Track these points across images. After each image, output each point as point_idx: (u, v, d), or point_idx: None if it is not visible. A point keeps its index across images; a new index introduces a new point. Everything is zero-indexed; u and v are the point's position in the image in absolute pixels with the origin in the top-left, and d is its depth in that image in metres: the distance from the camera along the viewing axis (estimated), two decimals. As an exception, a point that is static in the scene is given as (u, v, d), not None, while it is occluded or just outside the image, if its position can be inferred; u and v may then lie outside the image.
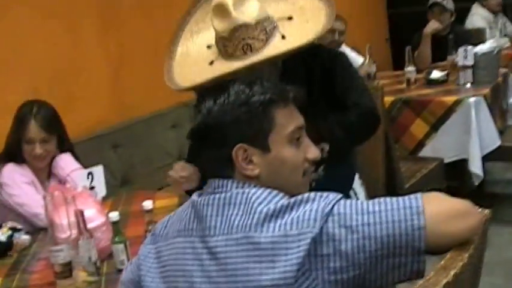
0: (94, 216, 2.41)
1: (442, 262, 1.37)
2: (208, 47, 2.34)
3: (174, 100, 4.45)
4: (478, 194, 4.53)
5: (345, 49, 5.05)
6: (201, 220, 1.51)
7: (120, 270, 2.27)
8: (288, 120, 1.57)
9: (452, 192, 4.23)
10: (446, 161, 4.27)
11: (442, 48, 5.04)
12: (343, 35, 5.05)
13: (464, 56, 4.50)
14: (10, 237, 2.69)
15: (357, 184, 2.75)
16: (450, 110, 4.25)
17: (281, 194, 1.48)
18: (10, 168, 2.93)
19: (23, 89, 3.62)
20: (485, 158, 4.26)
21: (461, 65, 4.53)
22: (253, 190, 1.48)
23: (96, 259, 2.25)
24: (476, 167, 4.17)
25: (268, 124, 1.54)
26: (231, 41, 2.22)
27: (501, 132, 4.45)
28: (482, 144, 4.19)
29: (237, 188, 1.52)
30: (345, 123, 2.46)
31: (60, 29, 3.92)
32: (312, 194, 1.45)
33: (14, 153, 2.94)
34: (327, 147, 2.41)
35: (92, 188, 2.76)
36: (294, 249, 1.37)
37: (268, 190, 1.48)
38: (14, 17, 3.70)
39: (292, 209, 1.42)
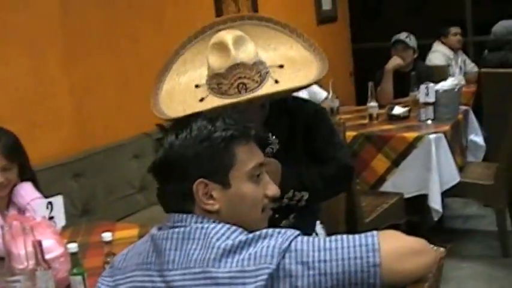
0: (52, 247, 2.38)
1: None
2: (197, 86, 2.35)
3: (136, 130, 4.45)
4: (438, 229, 4.61)
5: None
6: (160, 254, 1.52)
7: (77, 302, 2.25)
8: (249, 156, 1.59)
9: (412, 227, 4.29)
10: (407, 196, 4.30)
11: (404, 85, 5.10)
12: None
13: (426, 92, 4.57)
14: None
15: (319, 227, 2.79)
16: (411, 145, 4.30)
17: (240, 230, 1.49)
18: (-32, 197, 2.89)
19: (-16, 116, 3.59)
20: (445, 194, 4.31)
21: (423, 101, 4.61)
22: (212, 225, 1.50)
23: (53, 291, 2.23)
24: (435, 202, 4.21)
25: (229, 160, 1.55)
26: (227, 79, 2.23)
27: (461, 169, 4.52)
28: (442, 180, 4.24)
29: (196, 222, 1.53)
30: (325, 175, 2.52)
31: (23, 55, 3.90)
32: (270, 230, 1.47)
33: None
34: (306, 195, 2.49)
35: (51, 218, 2.72)
36: (251, 284, 1.38)
37: (227, 226, 1.50)
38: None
39: (250, 244, 1.44)
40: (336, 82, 5.14)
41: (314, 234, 2.72)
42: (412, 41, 5.50)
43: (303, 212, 2.57)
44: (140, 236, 2.83)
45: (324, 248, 1.42)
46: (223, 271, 1.41)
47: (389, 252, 1.41)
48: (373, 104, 4.79)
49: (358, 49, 7.86)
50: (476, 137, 5.00)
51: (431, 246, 1.52)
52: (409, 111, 4.81)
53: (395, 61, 5.39)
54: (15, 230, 2.33)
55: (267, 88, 2.26)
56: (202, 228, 1.49)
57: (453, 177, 4.33)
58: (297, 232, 1.47)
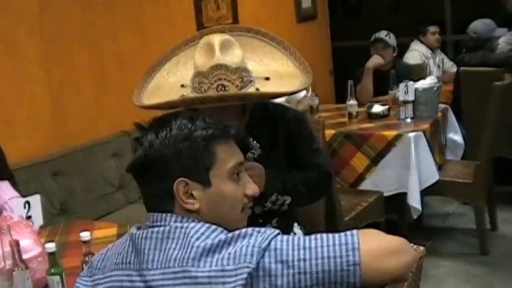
0: (30, 247, 2.36)
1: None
2: (182, 86, 2.41)
3: (115, 129, 4.43)
4: (417, 227, 4.63)
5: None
6: (139, 253, 1.51)
7: (55, 302, 2.24)
8: (229, 155, 1.59)
9: (391, 225, 4.31)
10: (386, 194, 4.32)
11: (383, 83, 5.12)
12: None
13: (405, 91, 4.58)
14: None
15: (297, 228, 2.80)
16: (390, 144, 4.31)
17: (219, 229, 1.49)
18: None
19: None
20: (424, 192, 4.33)
21: (402, 100, 4.61)
22: (192, 225, 1.49)
23: (31, 291, 2.21)
24: (415, 201, 4.22)
25: (209, 159, 1.55)
26: (208, 79, 2.27)
27: (440, 167, 4.54)
28: (421, 178, 4.26)
29: (175, 222, 1.52)
30: (307, 181, 2.56)
31: (1, 54, 3.86)
32: (250, 229, 1.46)
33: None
34: (288, 199, 2.52)
35: (28, 217, 2.70)
36: (230, 283, 1.38)
37: (207, 225, 1.49)
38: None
39: (229, 244, 1.43)
40: (316, 80, 5.14)
41: (292, 233, 2.73)
42: (391, 40, 5.51)
43: (284, 217, 2.61)
44: (119, 235, 2.82)
45: (304, 246, 1.42)
46: (203, 270, 1.40)
47: (370, 251, 1.41)
48: (352, 102, 4.79)
49: (338, 47, 7.87)
50: (456, 136, 5.02)
51: (411, 245, 1.52)
52: (389, 109, 4.82)
53: (375, 60, 5.40)
54: (-8, 230, 2.31)
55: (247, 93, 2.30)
56: (181, 227, 1.48)
57: (432, 175, 4.35)
58: (277, 231, 1.47)
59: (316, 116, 4.71)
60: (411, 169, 4.22)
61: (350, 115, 4.78)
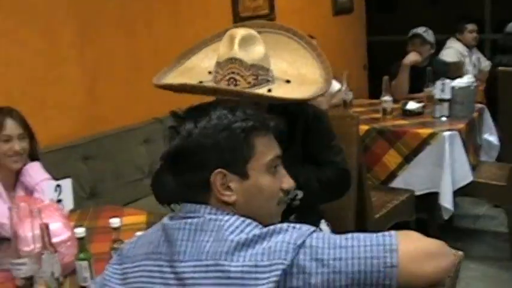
0: (59, 231, 2.36)
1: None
2: (210, 72, 2.43)
3: (147, 115, 4.42)
4: (446, 228, 4.56)
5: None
6: (171, 244, 1.49)
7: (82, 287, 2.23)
8: (268, 148, 1.57)
9: (421, 224, 4.25)
10: (417, 193, 4.27)
11: (419, 80, 5.04)
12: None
13: (442, 89, 4.51)
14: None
15: (323, 224, 2.77)
16: (424, 142, 4.26)
17: (254, 224, 1.46)
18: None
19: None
20: (456, 193, 4.26)
21: (438, 97, 4.55)
22: (226, 218, 1.47)
23: (59, 275, 2.20)
24: (447, 201, 4.16)
25: (248, 151, 1.53)
26: (222, 70, 2.30)
27: (473, 168, 4.47)
28: (454, 178, 4.19)
29: (209, 214, 1.50)
30: (322, 178, 2.54)
31: (36, 34, 3.86)
32: (285, 225, 1.44)
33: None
34: (300, 194, 2.44)
35: (59, 200, 2.71)
36: (263, 279, 1.36)
37: (242, 219, 1.47)
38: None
39: (264, 239, 1.41)
40: (350, 74, 5.09)
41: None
42: (429, 36, 5.42)
43: (303, 213, 2.52)
44: (148, 223, 2.82)
45: (340, 245, 1.39)
46: (236, 265, 1.38)
47: (408, 254, 1.38)
48: (387, 98, 4.72)
49: (373, 42, 7.81)
50: (491, 136, 4.94)
51: (450, 249, 1.48)
52: (424, 107, 4.76)
53: (413, 57, 5.31)
54: (23, 212, 2.31)
55: (257, 92, 2.29)
56: (216, 220, 1.46)
57: (466, 176, 4.28)
58: (313, 228, 1.44)
59: (350, 110, 4.67)
60: (444, 169, 4.16)
61: (384, 111, 4.71)
